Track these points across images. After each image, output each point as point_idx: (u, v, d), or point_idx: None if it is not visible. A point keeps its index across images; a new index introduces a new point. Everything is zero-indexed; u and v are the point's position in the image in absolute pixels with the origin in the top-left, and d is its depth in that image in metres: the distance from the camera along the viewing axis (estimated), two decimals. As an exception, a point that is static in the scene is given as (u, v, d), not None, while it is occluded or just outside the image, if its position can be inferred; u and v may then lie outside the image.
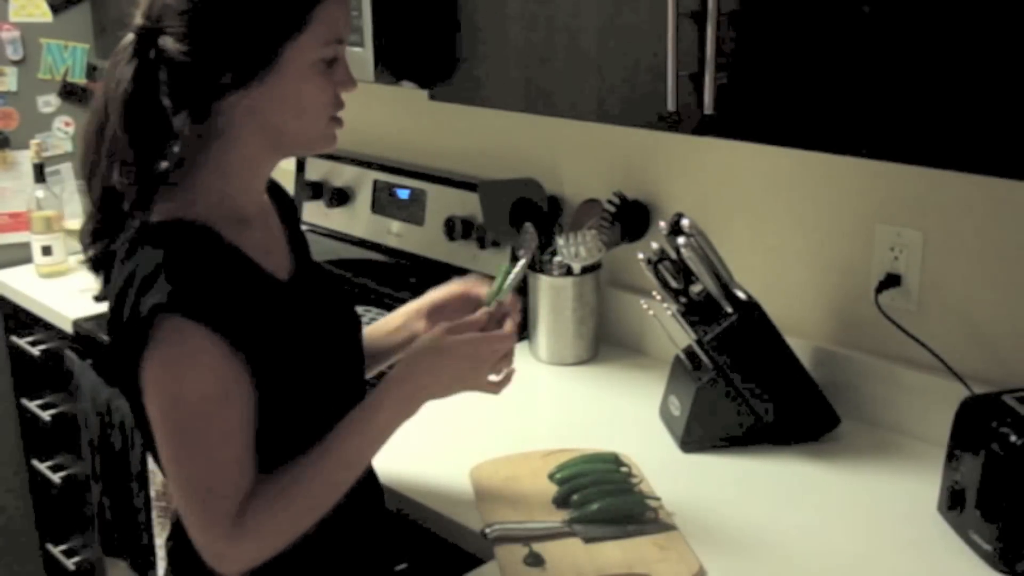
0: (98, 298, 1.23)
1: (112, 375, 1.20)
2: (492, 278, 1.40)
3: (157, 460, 1.21)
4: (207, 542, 1.11)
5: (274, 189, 1.35)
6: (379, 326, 1.46)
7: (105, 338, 2.18)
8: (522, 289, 1.97)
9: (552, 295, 1.92)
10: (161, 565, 1.92)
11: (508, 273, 1.38)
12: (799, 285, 1.77)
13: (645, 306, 1.70)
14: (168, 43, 1.10)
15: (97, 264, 1.20)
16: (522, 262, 1.40)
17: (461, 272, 2.18)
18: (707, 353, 1.57)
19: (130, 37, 1.13)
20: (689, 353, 1.63)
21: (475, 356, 1.26)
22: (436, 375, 1.24)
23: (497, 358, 1.28)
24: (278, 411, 1.15)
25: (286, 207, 1.36)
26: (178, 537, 1.28)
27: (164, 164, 1.11)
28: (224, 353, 1.08)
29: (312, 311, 1.26)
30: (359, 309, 1.62)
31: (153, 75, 1.10)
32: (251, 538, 1.11)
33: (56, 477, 2.60)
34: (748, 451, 1.59)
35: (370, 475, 1.38)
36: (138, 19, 1.13)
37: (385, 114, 2.45)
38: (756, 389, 1.58)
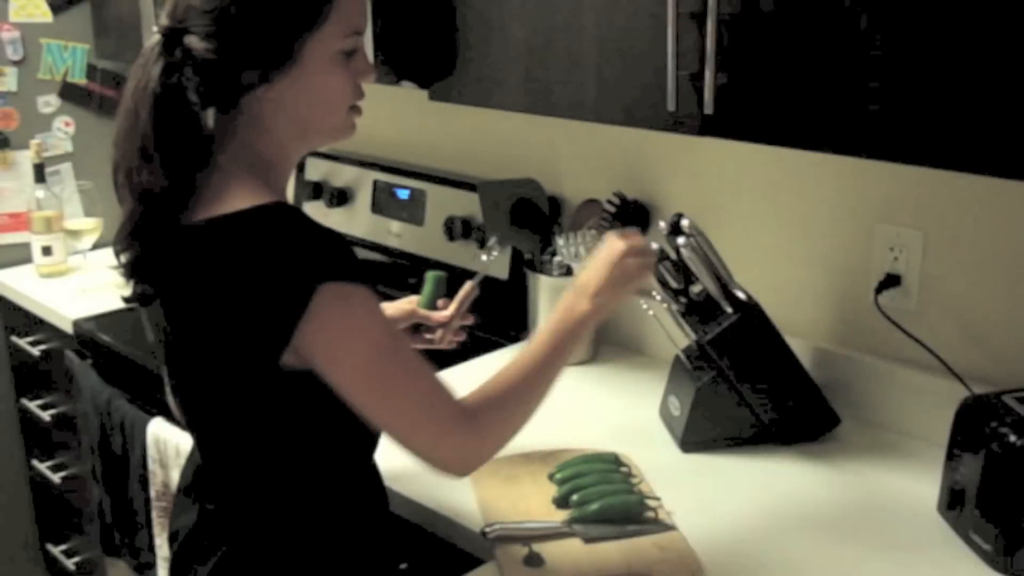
0: (129, 299, 1.23)
1: (209, 368, 1.18)
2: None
3: (213, 454, 1.24)
4: (448, 452, 1.18)
5: None
6: None
7: (105, 338, 2.19)
8: (521, 291, 1.98)
9: (552, 295, 1.92)
10: (163, 565, 1.92)
11: (435, 280, 1.58)
12: (799, 285, 1.77)
13: (645, 306, 1.70)
14: (194, 42, 1.12)
15: (134, 269, 1.19)
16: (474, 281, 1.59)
17: (461, 272, 2.18)
18: (707, 353, 1.57)
19: (156, 38, 1.15)
20: (689, 353, 1.63)
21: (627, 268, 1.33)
22: (600, 280, 1.31)
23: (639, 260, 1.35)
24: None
25: None
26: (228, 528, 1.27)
27: (196, 160, 1.14)
28: (377, 302, 1.16)
29: None
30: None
31: (180, 74, 1.13)
32: (485, 435, 1.20)
33: (56, 477, 2.60)
34: (748, 451, 1.59)
35: (374, 476, 1.38)
36: (163, 19, 1.16)
37: (385, 114, 2.45)
38: (756, 389, 1.58)
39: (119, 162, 1.17)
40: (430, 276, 1.59)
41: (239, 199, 1.13)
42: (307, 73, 1.15)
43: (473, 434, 1.18)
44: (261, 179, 1.18)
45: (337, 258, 1.11)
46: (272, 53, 1.13)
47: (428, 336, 1.59)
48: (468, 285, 1.59)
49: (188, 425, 1.28)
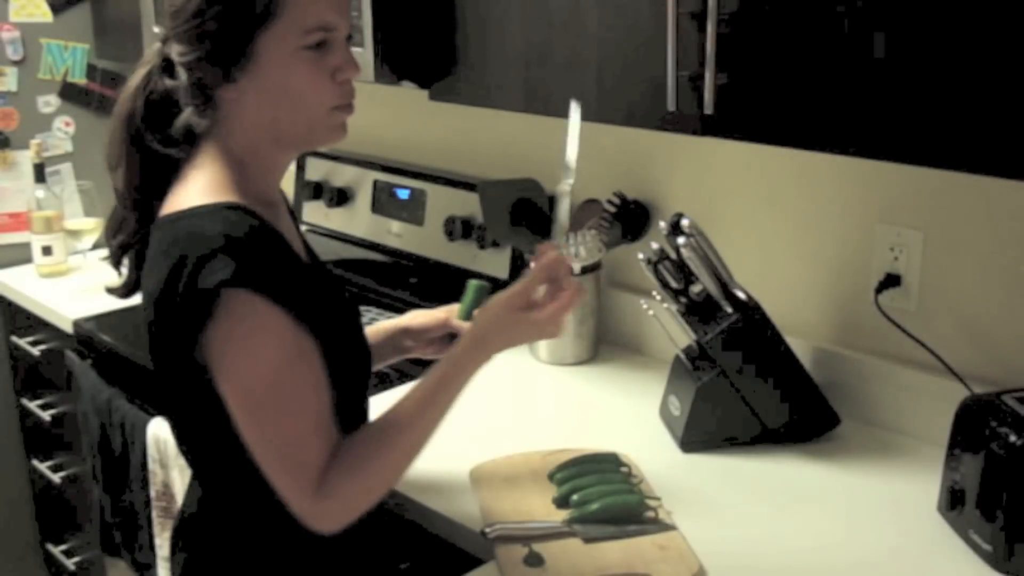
0: (112, 290, 1.26)
1: (154, 359, 1.20)
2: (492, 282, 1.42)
3: (193, 446, 1.23)
4: (296, 506, 1.14)
5: None
6: (368, 333, 1.47)
7: (105, 338, 2.19)
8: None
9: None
10: (163, 565, 1.92)
11: (476, 290, 1.46)
12: (799, 285, 1.77)
13: (645, 306, 1.70)
14: (171, 47, 1.17)
15: (117, 256, 1.24)
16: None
17: (461, 272, 2.19)
18: (707, 353, 1.57)
19: (156, 46, 1.21)
20: (689, 353, 1.63)
21: (540, 331, 1.27)
22: (504, 340, 1.25)
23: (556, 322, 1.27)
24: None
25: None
26: (194, 535, 1.28)
27: (174, 154, 1.19)
28: (289, 324, 1.11)
29: (331, 294, 1.29)
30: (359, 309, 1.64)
31: (167, 74, 1.18)
32: (334, 500, 1.13)
33: (56, 477, 2.60)
34: (748, 451, 1.59)
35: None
36: (163, 29, 1.20)
37: (385, 114, 2.45)
38: (756, 389, 1.58)
39: (111, 149, 1.22)
40: (471, 285, 1.48)
41: (198, 196, 1.15)
42: (265, 71, 1.13)
43: (319, 502, 1.13)
44: (231, 179, 1.18)
45: (254, 268, 1.09)
46: (227, 52, 1.13)
47: None
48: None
49: (167, 420, 1.29)
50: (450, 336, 1.49)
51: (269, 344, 1.10)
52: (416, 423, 1.19)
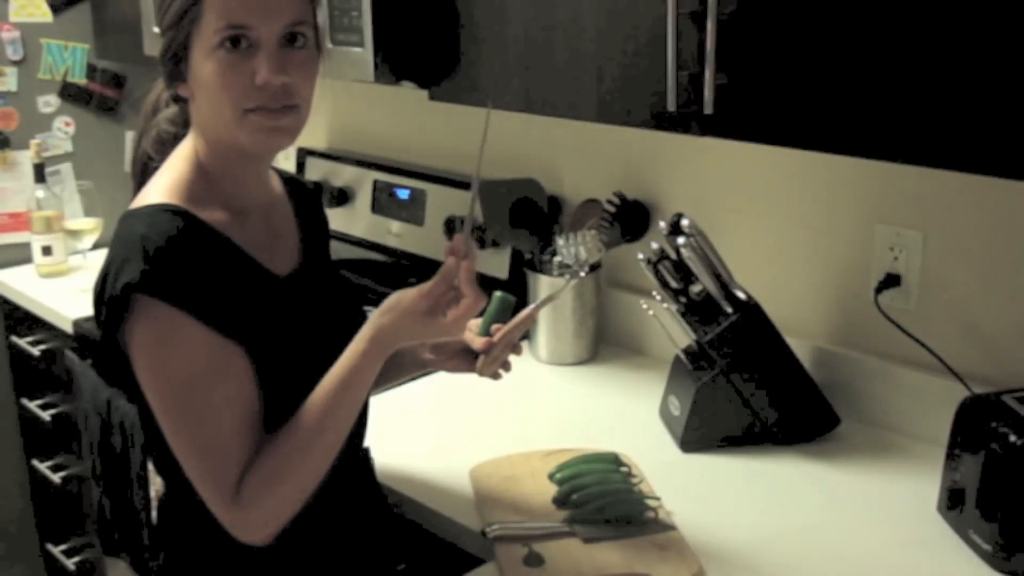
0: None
1: (101, 354, 1.23)
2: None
3: (146, 434, 1.25)
4: (218, 516, 1.13)
5: (292, 183, 1.38)
6: None
7: (105, 338, 2.19)
8: (521, 291, 1.98)
9: (552, 293, 1.91)
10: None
11: (500, 302, 1.36)
12: (799, 285, 1.77)
13: (645, 306, 1.70)
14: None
15: None
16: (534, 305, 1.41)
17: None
18: (707, 353, 1.57)
19: None
20: (689, 353, 1.63)
21: (440, 332, 1.21)
22: (405, 338, 1.20)
23: (459, 327, 1.21)
24: (276, 404, 1.16)
25: (305, 200, 1.37)
26: (168, 515, 1.29)
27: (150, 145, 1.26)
28: (201, 334, 1.10)
29: (309, 309, 1.26)
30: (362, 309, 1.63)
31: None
32: (252, 509, 1.13)
33: (56, 477, 2.60)
34: (748, 451, 1.59)
35: (369, 476, 1.38)
36: None
37: (385, 114, 2.45)
38: (756, 389, 1.58)
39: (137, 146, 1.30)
40: (496, 297, 1.36)
41: (153, 195, 1.18)
42: (195, 73, 1.15)
43: (237, 512, 1.12)
44: (190, 181, 1.19)
45: (166, 275, 1.09)
46: (172, 48, 1.16)
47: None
48: (525, 312, 1.37)
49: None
50: (472, 351, 1.39)
51: (175, 354, 1.10)
52: (326, 426, 1.15)
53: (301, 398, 1.18)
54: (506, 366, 1.38)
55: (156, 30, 1.19)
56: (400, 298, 1.18)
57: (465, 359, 1.39)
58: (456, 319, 1.18)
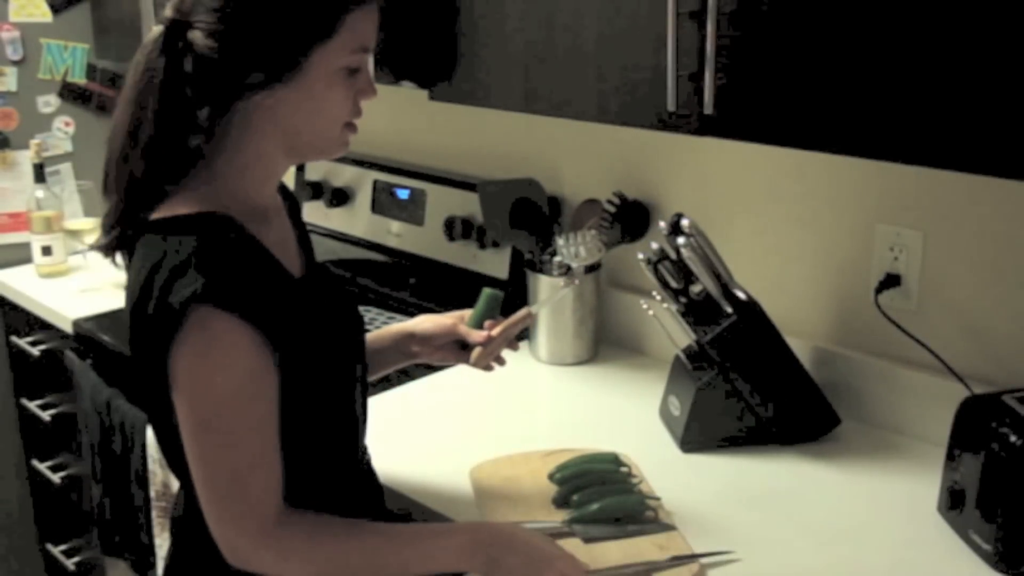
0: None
1: (132, 367, 1.20)
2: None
3: (169, 453, 1.21)
4: (231, 535, 1.12)
5: (280, 188, 1.36)
6: (371, 338, 1.45)
7: (105, 338, 2.19)
8: (521, 291, 1.98)
9: (552, 294, 1.92)
10: (161, 565, 1.92)
11: (489, 298, 1.45)
12: (799, 285, 1.77)
13: (645, 306, 1.70)
14: (197, 37, 1.11)
15: (109, 249, 1.21)
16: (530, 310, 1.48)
17: (461, 272, 2.19)
18: (707, 353, 1.57)
19: (159, 29, 1.14)
20: (689, 353, 1.63)
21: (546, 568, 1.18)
22: (508, 566, 1.17)
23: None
24: (292, 405, 1.16)
25: (292, 206, 1.37)
26: (181, 536, 1.28)
27: (187, 150, 1.16)
28: (256, 346, 1.09)
29: (323, 309, 1.26)
30: (359, 309, 1.63)
31: (180, 67, 1.12)
32: (276, 552, 1.12)
33: (56, 477, 2.60)
34: (748, 451, 1.59)
35: (370, 475, 1.38)
36: (168, 12, 1.14)
37: (385, 114, 2.45)
38: (756, 389, 1.58)
39: (111, 155, 1.17)
40: (485, 294, 1.47)
41: (190, 203, 1.14)
42: (308, 85, 1.13)
43: (260, 544, 1.12)
44: (228, 186, 1.17)
45: (223, 283, 1.07)
46: (278, 60, 1.11)
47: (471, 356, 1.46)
48: (523, 311, 1.49)
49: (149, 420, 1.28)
50: (459, 343, 1.46)
51: (230, 364, 1.08)
52: (386, 553, 1.15)
53: (315, 399, 1.18)
54: (500, 360, 1.47)
55: (209, 42, 1.10)
56: (527, 534, 1.20)
57: (452, 351, 1.47)
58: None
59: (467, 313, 1.47)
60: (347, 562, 1.15)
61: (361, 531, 1.17)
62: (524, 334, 2.00)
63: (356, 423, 1.31)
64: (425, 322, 1.48)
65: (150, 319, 1.09)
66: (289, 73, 1.12)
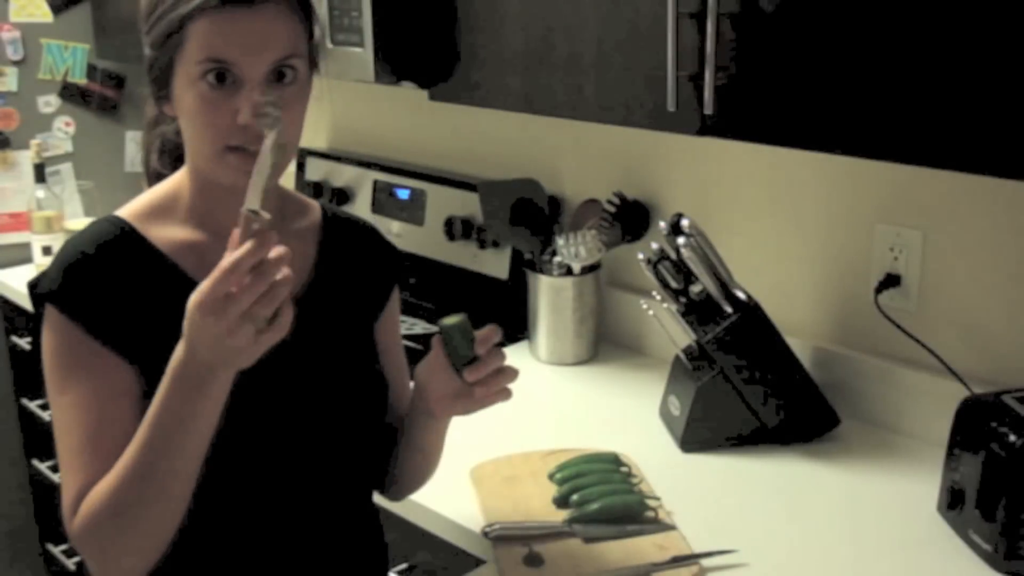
0: None
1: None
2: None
3: None
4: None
5: (343, 223, 1.31)
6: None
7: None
8: (521, 291, 1.98)
9: (552, 295, 1.92)
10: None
11: (457, 330, 1.16)
12: (799, 285, 1.77)
13: (645, 306, 1.70)
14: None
15: None
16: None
17: (461, 272, 2.19)
18: (707, 353, 1.57)
19: None
20: (689, 353, 1.63)
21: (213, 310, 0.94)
22: (200, 346, 0.98)
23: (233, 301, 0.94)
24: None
25: (355, 244, 1.31)
26: None
27: (152, 160, 1.25)
28: (96, 356, 1.10)
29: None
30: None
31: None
32: (86, 539, 1.08)
33: (56, 477, 2.60)
34: (748, 451, 1.59)
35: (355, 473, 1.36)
36: None
37: (385, 114, 2.45)
38: (756, 389, 1.58)
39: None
40: (447, 326, 1.17)
41: (126, 207, 1.20)
42: (178, 98, 1.10)
43: (75, 533, 1.08)
44: (171, 197, 1.19)
45: (59, 282, 1.12)
46: (156, 67, 1.12)
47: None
48: (487, 328, 1.18)
49: None
50: (452, 393, 1.20)
51: (47, 355, 1.13)
52: (143, 456, 1.03)
53: (234, 433, 1.08)
54: (505, 393, 1.22)
55: (144, 39, 1.12)
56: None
57: (456, 402, 1.21)
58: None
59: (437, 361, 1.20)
60: (127, 504, 1.04)
61: (114, 468, 1.06)
62: (518, 328, 2.00)
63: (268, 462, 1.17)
64: (420, 373, 1.23)
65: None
66: (165, 89, 1.12)
